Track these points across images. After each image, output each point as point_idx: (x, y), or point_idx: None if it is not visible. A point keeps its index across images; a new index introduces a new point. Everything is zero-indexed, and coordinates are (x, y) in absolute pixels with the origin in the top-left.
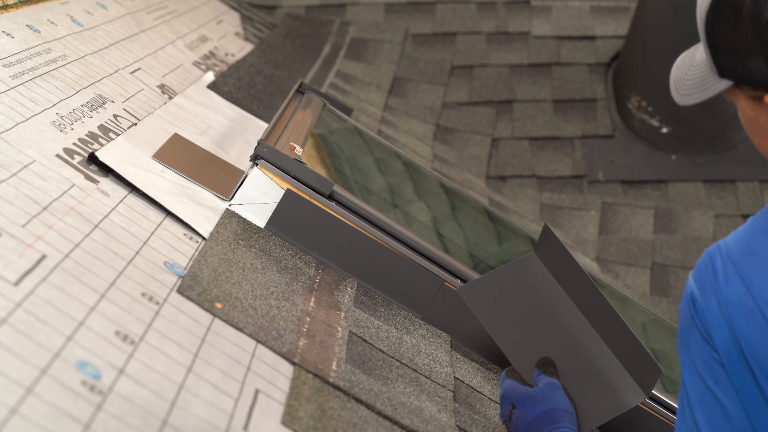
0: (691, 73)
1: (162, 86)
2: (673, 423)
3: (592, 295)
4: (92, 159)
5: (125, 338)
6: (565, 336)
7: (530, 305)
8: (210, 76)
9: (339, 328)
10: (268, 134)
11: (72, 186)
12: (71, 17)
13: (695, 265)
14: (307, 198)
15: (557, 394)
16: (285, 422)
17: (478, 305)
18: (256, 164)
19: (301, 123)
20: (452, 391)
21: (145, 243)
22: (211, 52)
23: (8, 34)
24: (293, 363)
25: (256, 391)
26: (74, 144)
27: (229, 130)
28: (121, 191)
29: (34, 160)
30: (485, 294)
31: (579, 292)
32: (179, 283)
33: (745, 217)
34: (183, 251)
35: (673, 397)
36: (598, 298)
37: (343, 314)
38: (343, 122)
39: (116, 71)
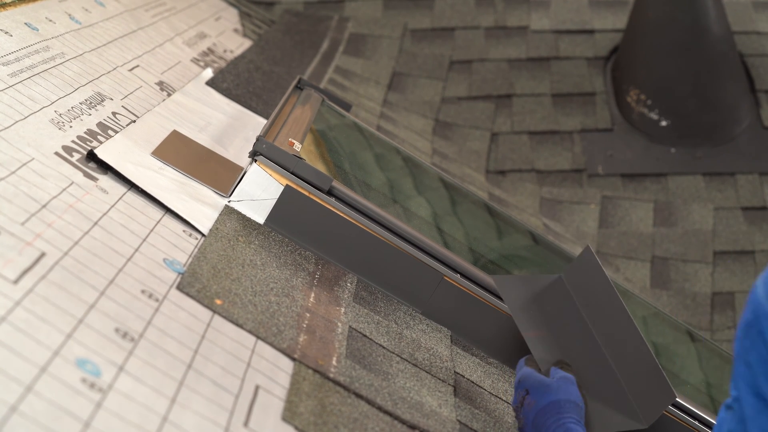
0: None
1: (160, 83)
2: (683, 422)
3: (619, 320)
4: (91, 156)
5: (125, 335)
6: (580, 355)
7: (554, 318)
8: (208, 73)
9: (339, 324)
10: (267, 130)
11: (71, 183)
12: (69, 15)
13: (766, 271)
14: (307, 194)
15: (571, 388)
16: (285, 418)
17: (509, 295)
18: (255, 160)
19: (299, 119)
20: (453, 386)
21: (144, 240)
22: (209, 49)
23: (6, 33)
24: (293, 359)
25: (256, 387)
26: (73, 142)
27: (228, 126)
28: (120, 188)
29: (33, 158)
30: (517, 289)
31: (604, 314)
32: (179, 279)
33: (746, 209)
34: (182, 248)
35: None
36: (626, 326)
37: (342, 310)
38: (342, 118)
39: (114, 69)
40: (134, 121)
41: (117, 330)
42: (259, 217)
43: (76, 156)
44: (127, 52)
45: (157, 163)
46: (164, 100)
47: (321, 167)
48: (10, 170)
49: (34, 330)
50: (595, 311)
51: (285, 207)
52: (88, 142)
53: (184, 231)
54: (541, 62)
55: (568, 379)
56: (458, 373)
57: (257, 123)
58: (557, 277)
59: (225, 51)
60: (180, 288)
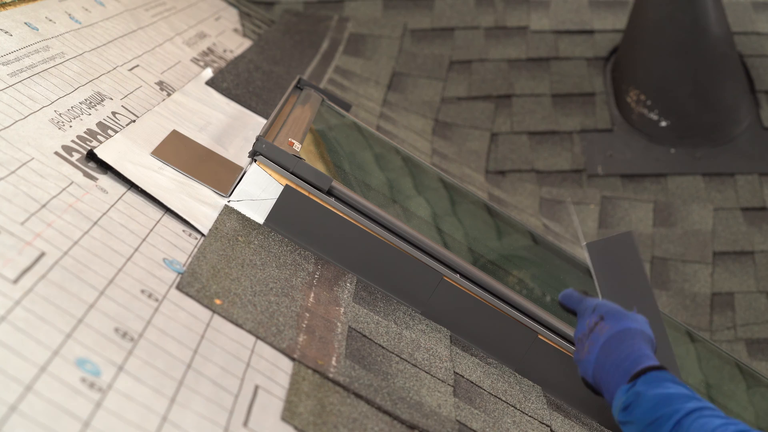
0: None
1: (160, 83)
2: None
3: (645, 308)
4: (91, 156)
5: (124, 335)
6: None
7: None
8: (208, 73)
9: (338, 324)
10: (267, 130)
11: (71, 183)
12: (69, 15)
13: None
14: (306, 194)
15: (647, 326)
16: (285, 418)
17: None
18: (255, 160)
19: (299, 119)
20: (452, 386)
21: (144, 240)
22: (209, 49)
23: (6, 32)
24: (293, 359)
25: (256, 387)
26: (73, 141)
27: (228, 126)
28: (119, 188)
29: (33, 158)
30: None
31: (626, 298)
32: (178, 279)
33: (745, 210)
34: (182, 248)
35: None
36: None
37: (342, 310)
38: (341, 118)
39: (114, 68)
40: (134, 121)
41: (117, 330)
42: (259, 217)
43: (76, 156)
44: (127, 51)
45: (157, 163)
46: (164, 99)
47: (321, 167)
48: (9, 170)
49: (34, 329)
50: (616, 293)
51: (285, 207)
52: (87, 142)
53: (183, 231)
54: (540, 62)
55: (644, 320)
56: (458, 373)
57: (257, 123)
58: (584, 244)
59: (225, 51)
60: (179, 288)
